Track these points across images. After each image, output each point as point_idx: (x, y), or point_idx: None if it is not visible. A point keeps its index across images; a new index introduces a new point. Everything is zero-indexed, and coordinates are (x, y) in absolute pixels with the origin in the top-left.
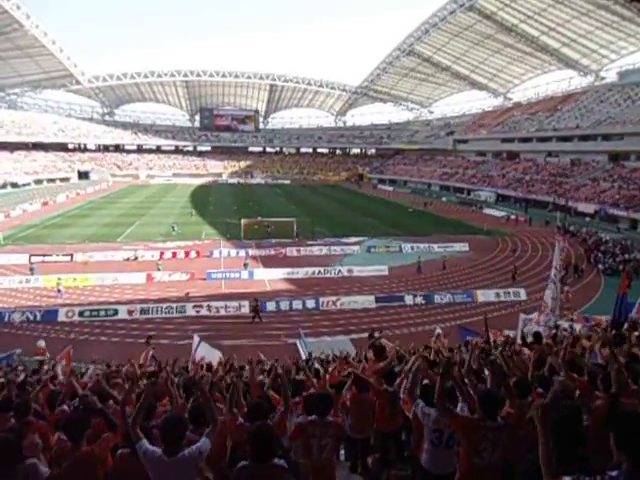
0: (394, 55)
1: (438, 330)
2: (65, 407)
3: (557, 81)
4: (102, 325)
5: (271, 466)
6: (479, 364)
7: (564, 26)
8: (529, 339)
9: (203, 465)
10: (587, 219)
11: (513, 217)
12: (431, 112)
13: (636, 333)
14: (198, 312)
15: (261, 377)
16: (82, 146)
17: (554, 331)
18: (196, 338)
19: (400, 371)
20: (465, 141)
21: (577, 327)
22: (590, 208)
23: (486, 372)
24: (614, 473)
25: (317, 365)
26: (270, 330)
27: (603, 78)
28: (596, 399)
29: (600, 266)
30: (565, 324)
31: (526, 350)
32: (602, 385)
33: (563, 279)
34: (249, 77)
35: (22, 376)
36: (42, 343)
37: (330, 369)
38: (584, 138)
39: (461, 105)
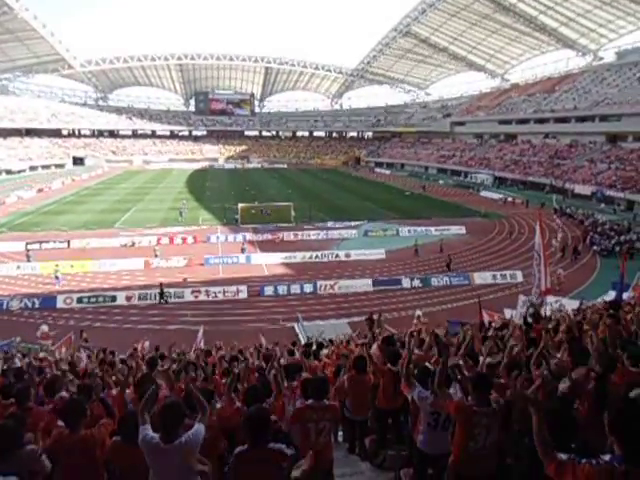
0: (390, 36)
1: (418, 312)
2: (64, 393)
3: (555, 62)
4: (101, 311)
5: (268, 450)
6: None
7: (562, 5)
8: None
9: (197, 455)
10: (581, 202)
11: (510, 199)
12: (428, 94)
13: (629, 316)
14: (196, 297)
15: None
16: (76, 132)
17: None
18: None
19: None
20: (462, 123)
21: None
22: (587, 190)
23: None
24: (607, 457)
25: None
26: (269, 314)
27: (601, 58)
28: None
29: (595, 247)
30: (554, 303)
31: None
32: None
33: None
34: (244, 60)
35: (18, 363)
36: (45, 327)
37: (325, 352)
38: (582, 119)
39: (458, 87)
